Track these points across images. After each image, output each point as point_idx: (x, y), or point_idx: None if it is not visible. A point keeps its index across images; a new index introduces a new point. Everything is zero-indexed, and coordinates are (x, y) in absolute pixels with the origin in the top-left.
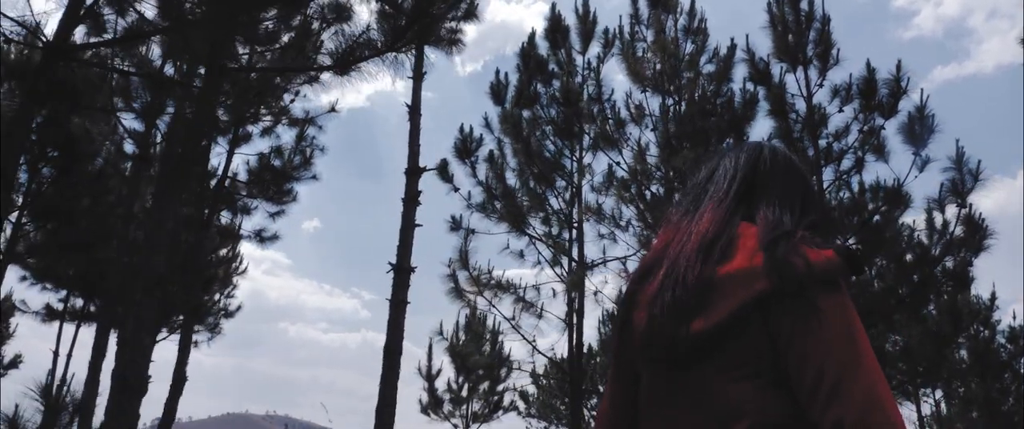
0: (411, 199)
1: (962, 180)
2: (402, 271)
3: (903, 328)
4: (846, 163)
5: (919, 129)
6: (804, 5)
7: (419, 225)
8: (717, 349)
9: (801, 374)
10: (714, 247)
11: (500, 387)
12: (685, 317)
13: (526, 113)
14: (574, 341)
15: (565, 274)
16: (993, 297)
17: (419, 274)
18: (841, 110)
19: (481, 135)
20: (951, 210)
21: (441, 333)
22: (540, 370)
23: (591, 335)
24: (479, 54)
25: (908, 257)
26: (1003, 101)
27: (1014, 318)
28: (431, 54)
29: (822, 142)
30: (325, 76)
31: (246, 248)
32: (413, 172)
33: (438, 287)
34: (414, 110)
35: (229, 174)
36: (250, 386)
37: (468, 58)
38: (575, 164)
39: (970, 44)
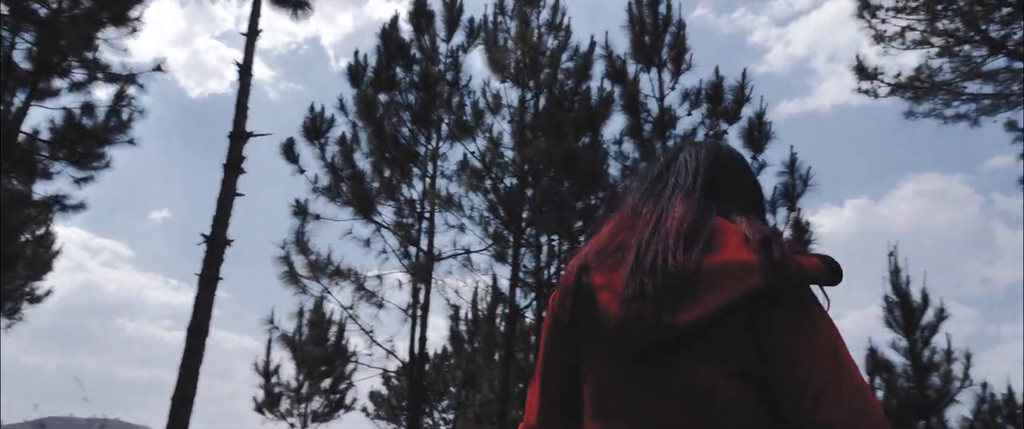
0: (233, 165)
1: (794, 185)
2: (216, 244)
3: None
4: None
5: (758, 135)
6: (662, 9)
7: (240, 194)
8: (699, 340)
9: (790, 375)
10: (696, 237)
11: (343, 385)
12: (670, 305)
13: (383, 97)
14: (418, 334)
15: (412, 265)
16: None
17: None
18: (689, 113)
19: (333, 116)
20: (783, 214)
21: (272, 322)
22: (392, 369)
23: (438, 338)
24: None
25: None
26: (836, 136)
27: None
28: (276, 16)
29: (670, 143)
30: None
31: (77, 235)
32: (238, 136)
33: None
34: (245, 70)
35: (29, 131)
36: (78, 388)
37: (342, 53)
38: (430, 152)
39: (812, 82)
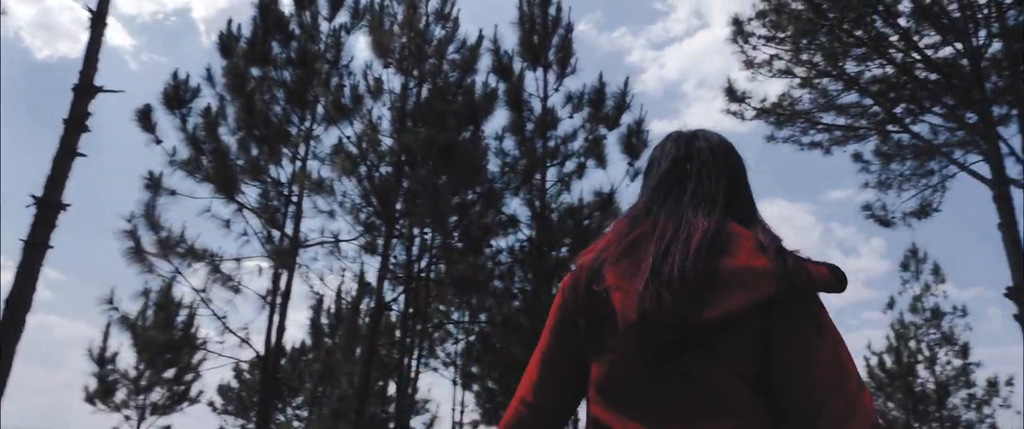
0: (76, 122)
1: None
2: (48, 207)
3: None
4: (569, 166)
5: (636, 142)
6: (552, 10)
7: (82, 155)
8: (713, 340)
9: (799, 378)
10: (714, 244)
11: (189, 375)
12: (695, 304)
13: (256, 71)
14: (276, 323)
15: (275, 249)
16: None
17: None
18: (571, 116)
19: (199, 86)
20: None
21: (111, 302)
22: (245, 360)
23: (296, 331)
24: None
25: None
26: None
27: None
28: None
29: (551, 143)
30: None
31: None
32: (84, 90)
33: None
34: (98, 19)
35: None
36: None
37: (214, 27)
38: (303, 133)
39: (681, 106)
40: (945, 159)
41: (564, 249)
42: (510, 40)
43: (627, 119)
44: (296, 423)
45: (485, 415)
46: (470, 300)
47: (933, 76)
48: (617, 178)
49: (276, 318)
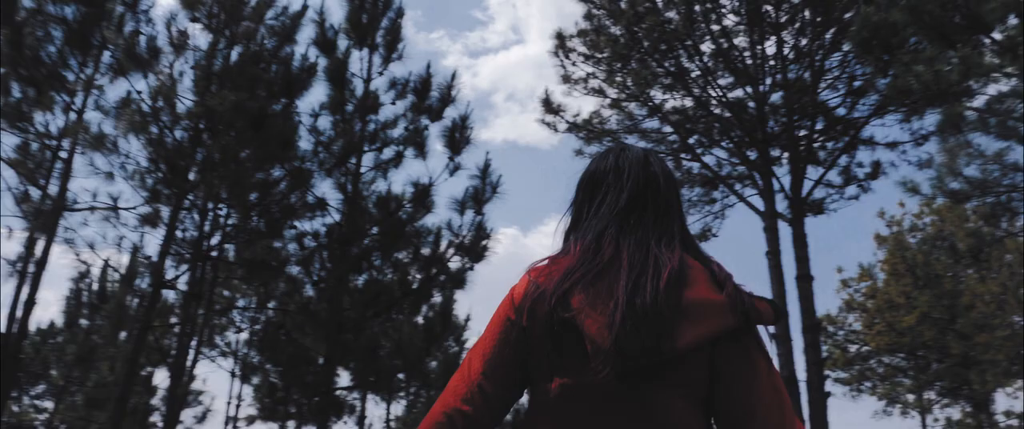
0: None
1: (484, 189)
2: None
3: (398, 325)
4: (388, 153)
5: (459, 137)
6: None
7: None
8: (676, 369)
9: (742, 402)
10: (681, 275)
11: None
12: (666, 336)
13: (29, 2)
14: (25, 296)
15: (33, 210)
16: (468, 318)
17: None
18: (394, 102)
19: None
20: (470, 216)
21: None
22: None
23: (45, 311)
24: None
25: (424, 252)
26: (505, 170)
27: None
28: None
29: (370, 127)
30: None
31: None
32: None
33: None
34: None
35: None
36: None
37: None
38: (83, 81)
39: (491, 116)
40: (728, 190)
41: (368, 240)
42: (337, 14)
43: (451, 113)
44: (35, 414)
45: (263, 410)
46: (262, 285)
47: (725, 113)
48: (436, 171)
49: (25, 291)
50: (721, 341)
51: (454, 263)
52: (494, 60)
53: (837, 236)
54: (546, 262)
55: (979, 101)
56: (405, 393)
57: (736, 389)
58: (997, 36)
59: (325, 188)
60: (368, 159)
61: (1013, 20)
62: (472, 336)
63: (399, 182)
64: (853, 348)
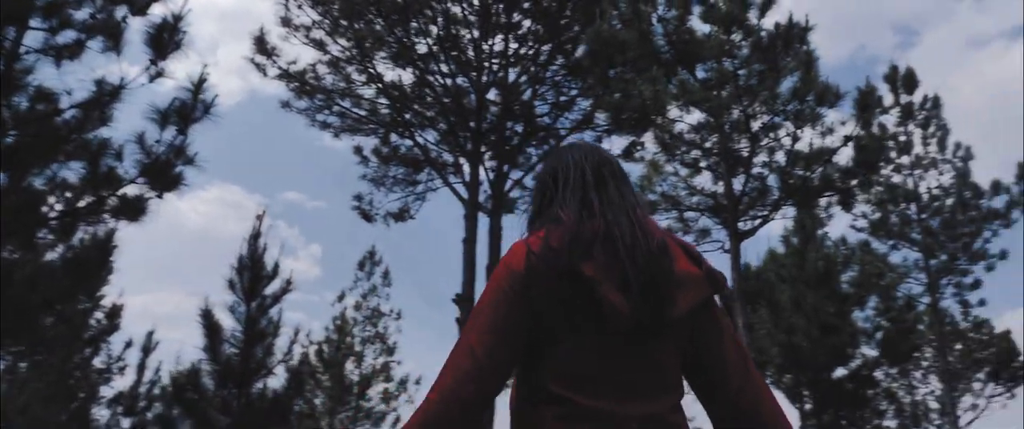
0: None
1: (193, 106)
2: None
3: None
4: (66, 37)
5: (168, 37)
6: None
7: None
8: (670, 328)
9: (724, 356)
10: (665, 247)
11: None
12: (668, 301)
13: None
14: None
15: None
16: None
17: None
18: None
19: None
20: (170, 132)
21: None
22: None
23: None
24: None
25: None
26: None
27: None
28: None
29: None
30: None
31: None
32: None
33: None
34: None
35: None
36: None
37: None
38: None
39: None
40: (436, 173)
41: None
42: None
43: (160, 10)
44: None
45: None
46: None
47: (445, 98)
48: (132, 75)
49: None
50: (698, 309)
51: (136, 189)
52: None
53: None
54: (540, 234)
55: (681, 126)
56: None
57: (709, 346)
58: (701, 74)
59: None
60: (34, 38)
61: (716, 63)
62: (130, 285)
63: (77, 78)
64: None
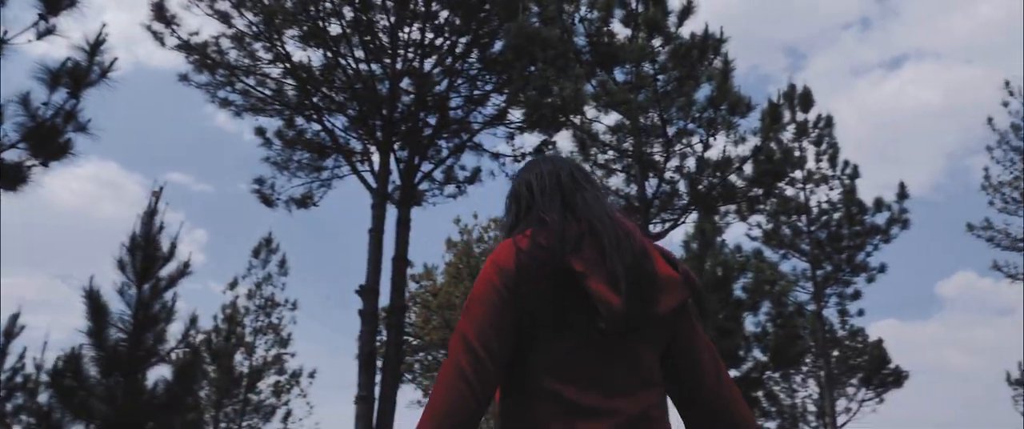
0: None
1: (88, 68)
2: None
3: None
4: None
5: None
6: None
7: None
8: (650, 329)
9: (700, 358)
10: (646, 249)
11: None
12: (652, 301)
13: None
14: None
15: None
16: None
17: None
18: None
19: None
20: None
21: None
22: None
23: None
24: None
25: None
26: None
27: None
28: None
29: None
30: None
31: None
32: None
33: None
34: None
35: None
36: None
37: None
38: None
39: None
40: (344, 160)
41: None
42: None
43: None
44: None
45: None
46: None
47: (357, 84)
48: (16, 31)
49: None
50: (677, 309)
51: (17, 154)
52: None
53: (437, 230)
54: (527, 234)
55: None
56: None
57: (686, 348)
58: (620, 76)
59: None
60: None
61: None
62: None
63: None
64: (406, 339)
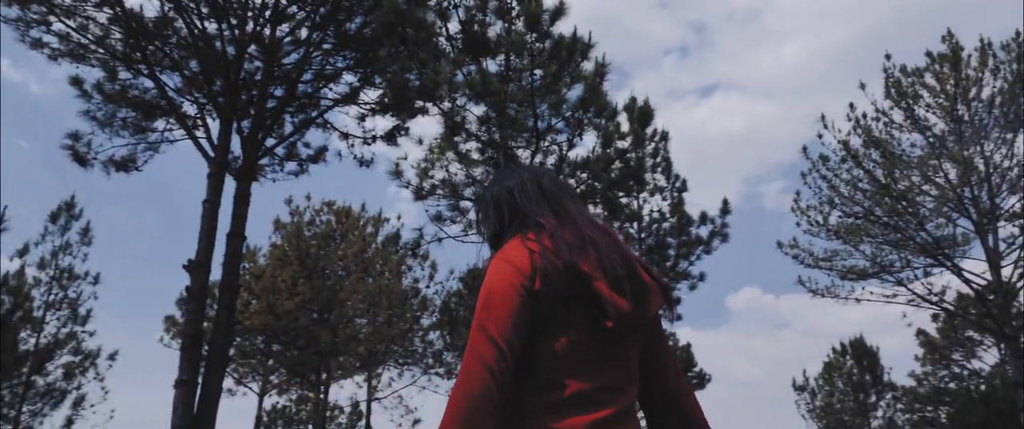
0: None
1: None
2: None
3: None
4: None
5: None
6: None
7: None
8: (637, 331)
9: (665, 360)
10: (631, 256)
11: None
12: (646, 304)
13: None
14: None
15: None
16: None
17: None
18: None
19: None
20: None
21: None
22: None
23: None
24: None
25: None
26: None
27: None
28: None
29: None
30: None
31: None
32: None
33: None
34: None
35: None
36: None
37: None
38: None
39: None
40: (179, 124)
41: None
42: None
43: None
44: None
45: None
46: None
47: (199, 43)
48: None
49: None
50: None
51: None
52: None
53: (265, 209)
54: (530, 236)
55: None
56: None
57: (655, 352)
58: (493, 66)
59: None
60: None
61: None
62: None
63: None
64: None
